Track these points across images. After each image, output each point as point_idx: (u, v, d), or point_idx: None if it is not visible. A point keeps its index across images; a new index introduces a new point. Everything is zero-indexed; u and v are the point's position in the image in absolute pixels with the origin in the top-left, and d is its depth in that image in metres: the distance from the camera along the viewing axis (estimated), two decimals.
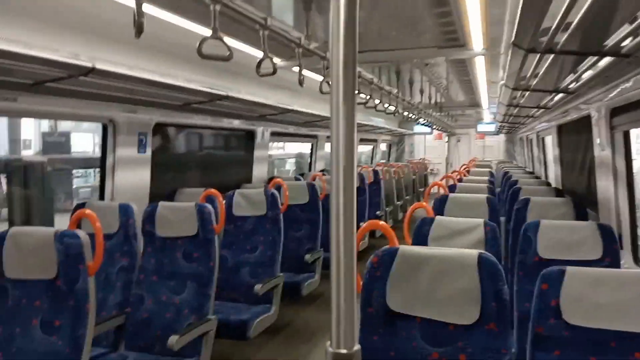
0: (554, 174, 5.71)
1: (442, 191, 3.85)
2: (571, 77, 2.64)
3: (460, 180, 5.10)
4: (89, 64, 2.49)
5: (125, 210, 3.07)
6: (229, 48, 1.86)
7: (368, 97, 4.56)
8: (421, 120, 8.41)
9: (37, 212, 3.92)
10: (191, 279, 2.86)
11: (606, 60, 2.02)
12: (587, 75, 2.43)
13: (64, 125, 12.89)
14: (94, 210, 2.75)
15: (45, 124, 12.57)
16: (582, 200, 3.53)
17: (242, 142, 5.77)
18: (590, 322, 1.51)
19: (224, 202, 3.40)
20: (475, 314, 1.52)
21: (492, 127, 12.53)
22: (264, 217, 3.83)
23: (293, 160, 11.70)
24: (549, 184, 5.14)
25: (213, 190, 3.23)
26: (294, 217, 4.53)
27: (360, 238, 1.74)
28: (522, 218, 3.17)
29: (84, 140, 12.83)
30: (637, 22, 1.49)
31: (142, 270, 2.94)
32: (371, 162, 11.59)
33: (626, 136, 3.15)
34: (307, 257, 4.35)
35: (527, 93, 3.68)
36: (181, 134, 4.87)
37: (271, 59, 2.25)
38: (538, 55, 2.18)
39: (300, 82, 2.65)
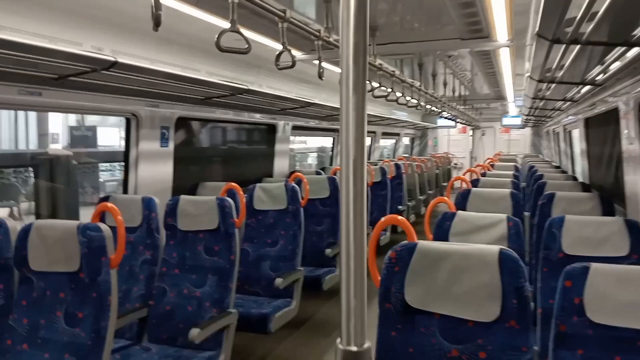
0: (580, 168, 5.58)
1: (465, 185, 3.80)
2: (598, 68, 2.57)
3: (484, 175, 5.02)
4: (112, 58, 2.52)
5: (148, 204, 3.11)
6: (247, 41, 1.86)
7: (389, 90, 4.51)
8: (444, 113, 8.30)
9: (62, 205, 4.00)
10: (212, 272, 2.88)
11: (634, 51, 1.95)
12: (614, 66, 2.36)
13: (90, 120, 13.13)
14: (117, 203, 2.80)
15: (72, 119, 12.83)
16: (609, 195, 3.44)
17: (263, 136, 5.78)
18: (615, 321, 1.47)
19: (244, 196, 3.42)
20: (495, 311, 1.49)
21: (517, 121, 12.30)
22: (285, 211, 3.84)
23: (315, 154, 11.70)
24: (575, 178, 5.03)
25: (234, 184, 3.25)
26: (314, 211, 4.53)
27: (378, 233, 1.73)
28: (546, 213, 3.11)
29: (110, 134, 13.05)
30: None
31: (164, 263, 2.98)
32: (393, 156, 11.51)
33: None
34: (328, 251, 4.34)
35: (553, 85, 3.60)
36: (203, 128, 4.90)
37: (290, 52, 2.24)
38: (563, 47, 2.12)
39: (320, 75, 2.63)
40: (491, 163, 6.85)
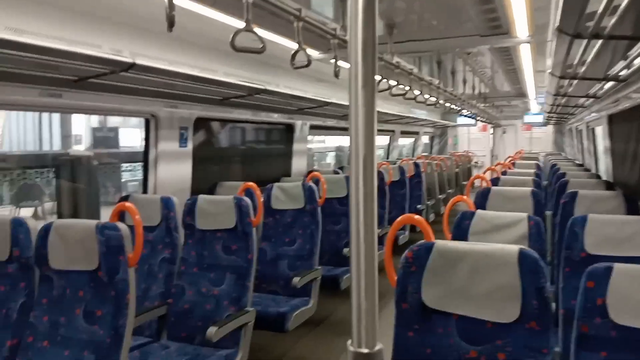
0: (604, 166, 5.46)
1: (485, 184, 3.75)
2: (621, 64, 2.50)
3: (504, 173, 4.95)
4: (130, 60, 2.55)
5: (166, 203, 3.14)
6: (262, 40, 1.86)
7: (407, 88, 4.47)
8: (464, 111, 8.21)
9: (84, 205, 4.06)
10: (230, 270, 2.89)
11: None
12: (638, 61, 2.30)
13: (112, 121, 13.32)
14: (136, 203, 2.83)
15: (94, 120, 13.03)
16: (633, 194, 3.36)
17: (281, 136, 5.79)
18: None
19: (262, 195, 3.43)
20: (515, 312, 1.46)
21: (539, 118, 12.11)
22: (302, 210, 3.83)
23: (333, 153, 11.69)
24: (598, 177, 4.92)
25: (251, 184, 3.26)
26: (332, 211, 4.52)
27: (395, 232, 1.71)
28: (569, 212, 3.04)
29: (132, 135, 13.22)
30: None
31: (183, 262, 3.00)
32: (412, 155, 11.43)
33: None
34: (346, 250, 4.33)
35: (575, 81, 3.53)
36: (221, 129, 4.93)
37: (305, 51, 2.23)
38: (585, 41, 2.07)
39: (336, 74, 2.62)
40: (512, 161, 6.75)
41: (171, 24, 1.54)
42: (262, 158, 5.73)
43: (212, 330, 2.47)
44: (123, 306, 2.00)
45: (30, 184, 7.01)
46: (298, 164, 5.86)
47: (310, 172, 6.05)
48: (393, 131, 9.53)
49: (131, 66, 2.59)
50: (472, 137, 14.10)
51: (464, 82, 6.59)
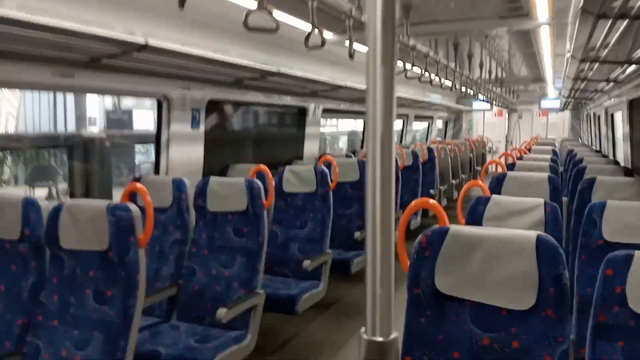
0: (623, 152, 5.35)
1: (500, 170, 3.68)
2: None
3: (520, 158, 4.86)
4: (142, 40, 2.52)
5: (178, 185, 3.13)
6: (275, 20, 1.81)
7: (422, 71, 4.39)
8: (480, 96, 8.08)
9: (96, 186, 4.07)
10: (241, 253, 2.88)
11: None
12: None
13: (126, 104, 13.35)
14: (148, 184, 2.82)
15: (108, 102, 13.07)
16: None
17: (293, 119, 5.75)
18: None
19: (273, 178, 3.40)
20: (531, 300, 1.42)
21: (556, 104, 11.90)
22: (314, 194, 3.81)
23: (346, 137, 11.61)
24: (617, 163, 4.82)
25: (262, 166, 3.23)
26: (344, 195, 4.48)
27: (408, 216, 1.67)
28: (586, 198, 2.98)
29: (145, 117, 13.25)
30: None
31: (194, 243, 3.00)
32: (426, 140, 11.32)
33: None
34: (357, 234, 4.30)
35: (596, 65, 3.44)
36: (234, 111, 4.89)
37: (321, 31, 2.17)
38: (609, 22, 1.99)
39: (351, 56, 2.56)
40: (528, 147, 6.65)
41: (182, 3, 1.50)
42: (274, 141, 5.70)
43: (221, 311, 2.47)
44: (133, 287, 1.99)
45: (44, 165, 7.07)
46: (310, 148, 5.83)
47: (322, 155, 6.02)
48: (407, 115, 9.43)
49: (144, 47, 2.56)
50: (487, 122, 13.91)
51: (481, 66, 6.46)
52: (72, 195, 3.98)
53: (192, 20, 3.15)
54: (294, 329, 3.79)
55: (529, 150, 6.30)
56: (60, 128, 11.73)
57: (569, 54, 3.31)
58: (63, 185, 7.13)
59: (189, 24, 3.15)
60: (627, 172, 3.88)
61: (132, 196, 2.40)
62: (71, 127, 12.10)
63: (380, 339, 0.59)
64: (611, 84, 4.42)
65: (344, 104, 6.45)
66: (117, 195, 4.70)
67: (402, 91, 7.19)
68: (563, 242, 3.32)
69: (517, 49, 6.07)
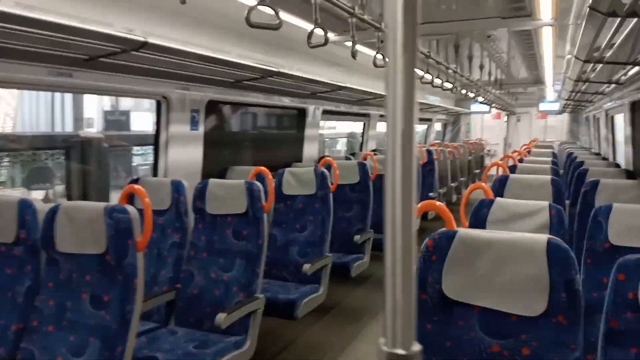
0: (624, 155, 5.32)
1: (500, 172, 3.65)
2: None
3: (520, 161, 4.83)
4: (142, 39, 2.48)
5: (177, 187, 3.08)
6: (278, 16, 1.77)
7: (422, 73, 4.36)
8: (479, 98, 8.06)
9: (93, 188, 4.02)
10: (240, 256, 2.84)
11: None
12: None
13: (124, 105, 13.30)
14: (146, 186, 2.77)
15: (107, 104, 13.02)
16: None
17: (293, 121, 5.71)
18: None
19: (273, 180, 3.36)
20: (542, 305, 1.37)
21: (555, 106, 11.88)
22: (314, 196, 3.76)
23: (345, 139, 11.57)
24: (617, 166, 4.79)
25: (262, 168, 3.19)
26: (343, 197, 4.44)
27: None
28: (590, 201, 2.95)
29: (144, 119, 13.20)
30: None
31: (192, 246, 2.95)
32: (425, 142, 11.28)
33: None
34: (357, 237, 4.26)
35: (599, 67, 3.40)
36: (233, 112, 4.85)
37: (325, 30, 2.13)
38: (618, 21, 1.96)
39: (354, 55, 2.52)
40: (528, 149, 6.62)
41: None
42: (274, 143, 5.66)
43: (221, 316, 2.42)
44: (131, 291, 1.94)
45: (41, 167, 7.00)
46: (310, 150, 5.78)
47: (322, 157, 5.98)
48: None
49: (143, 45, 2.52)
50: (485, 125, 13.89)
51: (481, 67, 6.44)
52: (69, 197, 3.93)
53: (191, 19, 3.11)
54: (294, 334, 3.74)
55: (529, 152, 6.27)
56: (58, 129, 11.68)
57: (571, 55, 3.28)
58: (60, 188, 7.07)
59: (188, 23, 3.11)
60: (630, 174, 3.85)
61: (130, 198, 2.35)
62: (69, 128, 12.04)
63: (402, 351, 0.55)
64: (612, 86, 4.39)
65: (344, 105, 6.41)
66: (114, 198, 4.65)
67: None
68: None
69: (517, 51, 6.05)
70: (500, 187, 3.15)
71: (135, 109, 13.35)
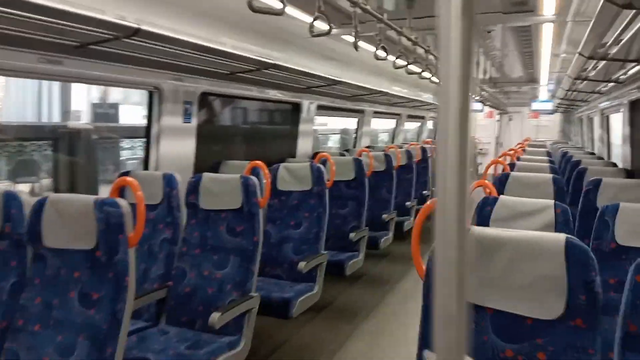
0: (621, 154, 5.29)
1: (491, 171, 3.60)
2: None
3: (517, 159, 4.79)
4: (135, 25, 2.38)
5: (169, 181, 2.98)
6: (283, 1, 1.68)
7: (425, 66, 4.29)
8: (474, 96, 8.02)
9: (81, 181, 3.90)
10: (234, 253, 2.75)
11: None
12: None
13: (112, 98, 13.09)
14: (137, 179, 2.66)
15: (95, 96, 12.80)
16: None
17: (287, 116, 5.62)
18: None
19: (269, 175, 3.27)
20: (559, 308, 1.31)
21: (547, 106, 11.91)
22: (309, 192, 3.68)
23: (335, 137, 11.47)
24: (614, 165, 4.77)
25: (259, 163, 3.10)
26: (339, 194, 4.37)
27: (423, 219, 1.55)
28: (591, 201, 2.90)
29: (133, 112, 12.99)
30: None
31: (184, 242, 2.85)
32: (417, 140, 11.24)
33: None
34: (352, 235, 4.19)
35: (601, 65, 3.35)
36: (226, 105, 4.75)
37: (328, 18, 2.05)
38: (631, 14, 1.90)
39: (355, 46, 2.44)
40: (522, 148, 6.59)
41: None
42: (267, 138, 5.57)
43: (215, 316, 2.33)
44: (122, 289, 1.85)
45: (27, 159, 6.84)
46: (304, 145, 5.70)
47: (316, 153, 5.90)
48: (400, 115, 9.34)
49: (136, 32, 2.42)
50: (477, 124, 13.90)
51: (477, 65, 6.40)
52: (56, 190, 3.80)
53: (185, 9, 3.01)
54: (288, 333, 3.66)
55: (524, 151, 6.24)
56: (46, 120, 11.46)
57: (575, 52, 3.22)
58: (46, 181, 6.91)
59: (182, 13, 3.01)
60: (629, 174, 3.82)
61: (120, 192, 2.25)
62: (56, 119, 11.83)
63: None
64: (610, 85, 4.36)
65: (338, 101, 6.33)
66: (103, 193, 4.53)
67: (394, 90, 7.11)
68: None
69: (514, 48, 6.01)
70: (500, 185, 3.09)
71: (124, 102, 13.14)
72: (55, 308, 1.91)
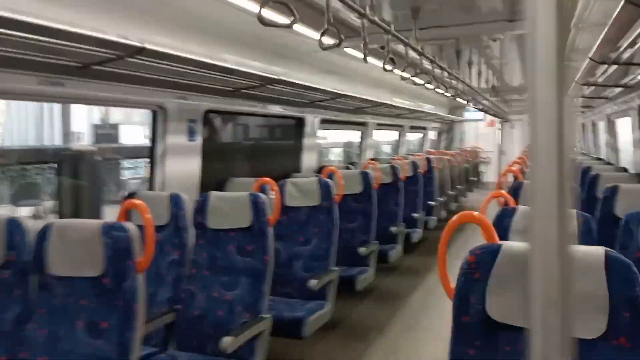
0: (632, 159, 5.22)
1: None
2: None
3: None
4: (139, 44, 2.33)
5: (176, 201, 2.91)
6: (293, 12, 1.62)
7: (431, 77, 4.24)
8: (473, 105, 7.99)
9: (85, 203, 3.83)
10: (245, 274, 2.67)
11: None
12: None
13: (113, 118, 13.08)
14: (143, 200, 2.60)
15: (96, 117, 12.80)
16: None
17: (291, 130, 5.57)
18: None
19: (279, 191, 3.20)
20: (601, 326, 1.23)
21: None
22: (318, 207, 3.60)
23: (337, 150, 11.42)
24: (625, 170, 4.69)
25: (267, 179, 3.03)
26: (346, 208, 4.28)
27: (450, 234, 1.47)
28: (609, 208, 2.82)
29: (134, 132, 12.98)
30: None
31: (193, 264, 2.77)
32: (420, 151, 11.18)
33: None
34: (362, 250, 4.10)
35: (612, 69, 3.29)
36: (230, 122, 4.70)
37: (338, 30, 1.98)
38: None
39: (365, 56, 2.38)
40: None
41: None
42: (272, 153, 5.52)
43: (227, 340, 2.24)
44: (131, 317, 1.77)
45: (30, 182, 6.80)
46: (308, 160, 5.64)
47: (321, 167, 5.83)
48: (402, 126, 9.30)
49: (140, 51, 2.37)
50: (479, 133, 13.84)
51: (479, 74, 6.36)
52: (60, 214, 3.73)
53: (186, 27, 2.98)
54: (300, 353, 3.55)
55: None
56: (47, 143, 11.44)
57: (588, 56, 3.16)
58: (49, 204, 6.85)
59: (184, 31, 2.98)
60: None
61: (126, 214, 2.18)
62: (58, 142, 11.81)
63: None
64: (619, 90, 4.30)
65: (342, 114, 6.29)
66: (107, 214, 4.46)
67: (398, 102, 7.08)
68: None
69: (516, 56, 5.97)
70: (514, 194, 3.01)
71: (125, 122, 13.13)
72: (61, 339, 1.82)
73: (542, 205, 0.40)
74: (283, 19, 1.77)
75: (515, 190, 3.03)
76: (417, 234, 5.74)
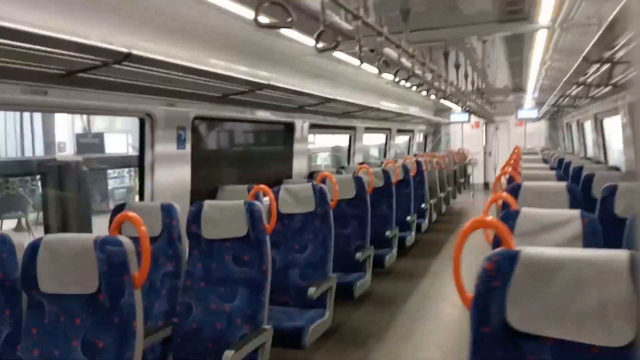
0: (624, 157, 5.24)
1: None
2: None
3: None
4: (125, 50, 2.25)
5: (168, 211, 2.82)
6: (290, 13, 1.56)
7: (422, 81, 4.21)
8: (460, 107, 7.99)
9: (74, 216, 3.71)
10: (243, 284, 2.59)
11: None
12: None
13: (97, 127, 12.87)
14: (134, 211, 2.51)
15: (78, 126, 12.58)
16: None
17: (280, 136, 5.51)
18: None
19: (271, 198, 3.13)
20: (628, 334, 1.18)
21: (533, 113, 11.98)
22: (313, 214, 3.53)
23: (324, 154, 11.36)
24: (617, 169, 4.70)
25: (263, 186, 2.96)
26: (340, 213, 4.21)
27: (464, 239, 1.42)
28: (609, 208, 2.80)
29: (118, 141, 12.78)
30: None
31: (188, 276, 2.68)
32: (408, 154, 11.19)
33: None
34: (358, 255, 4.04)
35: (604, 68, 3.29)
36: (220, 129, 4.62)
37: (334, 31, 1.93)
38: None
39: (361, 59, 2.33)
40: (519, 157, 6.52)
41: None
42: (263, 159, 5.45)
43: (228, 354, 2.16)
44: (130, 335, 1.68)
45: (12, 194, 6.63)
46: (299, 165, 5.57)
47: (312, 173, 5.77)
48: (390, 130, 9.28)
49: (126, 57, 2.29)
50: (465, 135, 13.90)
51: (466, 76, 6.36)
52: (46, 226, 3.61)
53: (173, 32, 2.91)
54: None
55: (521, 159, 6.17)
56: (28, 154, 11.19)
57: (582, 55, 3.15)
58: (33, 216, 6.70)
59: (170, 35, 2.91)
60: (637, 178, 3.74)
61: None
62: (39, 153, 11.57)
63: None
64: (608, 88, 4.31)
65: (330, 118, 6.24)
66: (97, 224, 4.34)
67: (385, 105, 7.06)
68: None
69: (503, 57, 6.00)
70: (513, 196, 2.98)
71: (109, 130, 12.92)
72: None
73: None
74: (275, 22, 1.71)
75: (514, 192, 3.00)
76: (410, 237, 5.71)
